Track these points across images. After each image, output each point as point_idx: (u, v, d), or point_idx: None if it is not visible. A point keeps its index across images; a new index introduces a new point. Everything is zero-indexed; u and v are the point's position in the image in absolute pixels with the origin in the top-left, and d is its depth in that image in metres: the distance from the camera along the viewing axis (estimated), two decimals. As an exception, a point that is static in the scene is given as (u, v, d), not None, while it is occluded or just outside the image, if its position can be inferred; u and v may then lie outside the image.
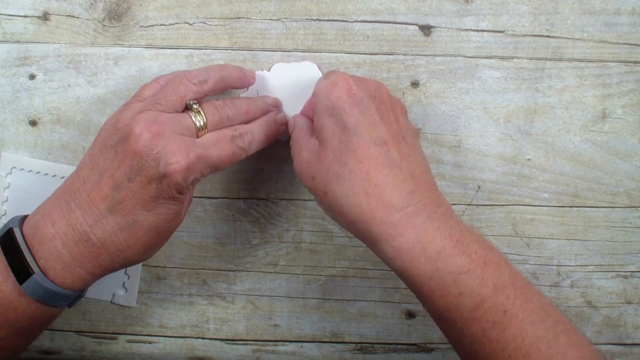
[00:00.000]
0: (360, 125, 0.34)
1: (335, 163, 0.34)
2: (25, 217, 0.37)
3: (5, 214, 0.46)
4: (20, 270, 0.35)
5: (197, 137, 0.36)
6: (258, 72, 0.43)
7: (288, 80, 0.42)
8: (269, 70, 0.43)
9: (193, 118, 0.36)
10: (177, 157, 0.34)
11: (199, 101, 0.37)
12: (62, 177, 0.45)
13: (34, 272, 0.34)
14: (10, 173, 0.46)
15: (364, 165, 0.34)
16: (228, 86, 0.40)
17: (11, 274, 0.35)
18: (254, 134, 0.39)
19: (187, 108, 0.37)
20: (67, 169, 0.45)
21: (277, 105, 0.42)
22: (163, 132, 0.34)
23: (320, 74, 0.43)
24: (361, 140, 0.34)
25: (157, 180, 0.34)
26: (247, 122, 0.39)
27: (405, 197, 0.34)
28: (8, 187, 0.46)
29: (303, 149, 0.37)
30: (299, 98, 0.42)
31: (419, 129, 0.44)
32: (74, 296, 0.37)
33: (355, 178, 0.34)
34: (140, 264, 0.47)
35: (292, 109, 0.42)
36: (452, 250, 0.33)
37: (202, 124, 0.37)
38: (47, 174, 0.45)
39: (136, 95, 0.38)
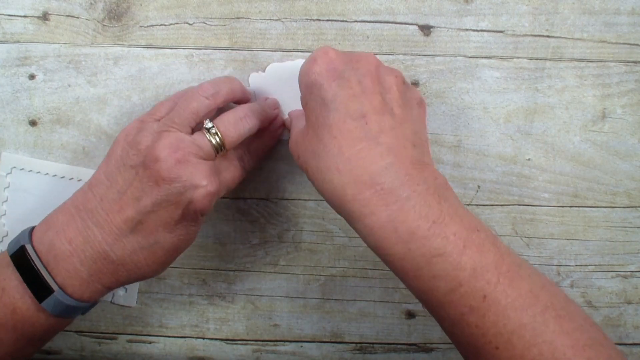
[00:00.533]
0: (338, 99, 0.33)
1: (313, 139, 0.34)
2: (31, 230, 0.37)
3: (5, 213, 0.46)
4: (38, 287, 0.35)
5: (215, 157, 0.38)
6: (253, 74, 0.43)
7: (283, 80, 0.42)
8: (263, 71, 0.43)
9: (210, 139, 0.37)
10: (204, 183, 0.35)
11: (212, 119, 0.38)
12: (61, 177, 0.45)
13: (53, 290, 0.35)
14: (10, 173, 0.46)
15: (337, 140, 0.33)
16: (235, 99, 0.40)
17: (28, 292, 0.35)
18: (258, 153, 0.42)
19: (204, 128, 0.37)
20: (67, 169, 0.45)
21: (276, 107, 0.43)
22: (188, 159, 0.35)
23: None
24: (337, 115, 0.33)
25: (184, 206, 0.35)
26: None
27: (379, 172, 0.32)
28: (8, 186, 0.46)
29: (294, 131, 0.37)
30: (296, 96, 0.42)
31: (419, 129, 0.44)
32: (90, 307, 0.38)
33: (328, 154, 0.33)
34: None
35: (289, 107, 0.42)
36: (427, 231, 0.31)
37: (218, 142, 0.37)
38: (47, 173, 0.45)
39: (151, 113, 0.38)
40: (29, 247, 0.35)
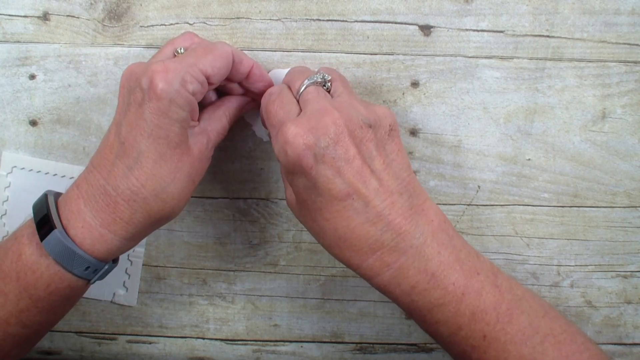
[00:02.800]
0: (319, 184, 0.34)
1: (309, 219, 0.36)
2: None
3: (5, 213, 0.46)
4: (46, 229, 0.35)
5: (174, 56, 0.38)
6: None
7: None
8: None
9: (177, 50, 0.38)
10: (154, 67, 0.34)
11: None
12: (62, 176, 0.45)
13: (55, 228, 0.35)
14: (11, 172, 0.46)
15: (331, 223, 0.34)
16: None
17: (36, 237, 0.35)
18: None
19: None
20: (68, 169, 0.45)
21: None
22: (143, 63, 0.36)
23: None
24: (323, 200, 0.34)
25: (146, 99, 0.34)
26: None
27: (376, 240, 0.34)
28: (9, 186, 0.46)
29: (287, 189, 0.37)
30: None
31: (418, 129, 0.44)
32: (93, 264, 0.36)
33: (327, 234, 0.35)
34: (141, 264, 0.47)
35: None
36: (427, 284, 0.34)
37: (183, 49, 0.38)
38: (47, 173, 0.45)
39: None
40: (50, 194, 0.37)
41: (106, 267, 0.37)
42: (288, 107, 0.36)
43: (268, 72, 0.43)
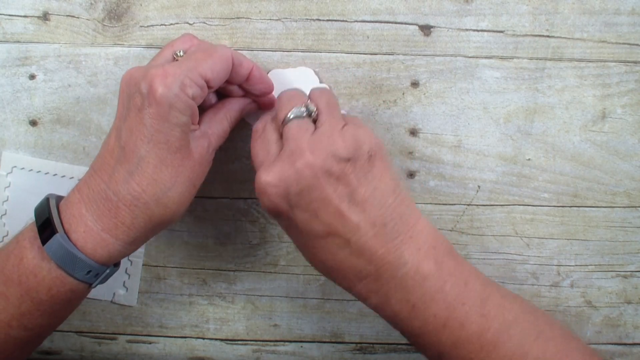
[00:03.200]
0: (299, 226, 0.35)
1: (300, 248, 0.37)
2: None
3: (5, 213, 0.46)
4: (47, 233, 0.35)
5: (173, 60, 0.38)
6: None
7: (285, 86, 0.42)
8: None
9: (177, 53, 0.38)
10: (153, 71, 0.34)
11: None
12: (62, 176, 0.45)
13: (57, 232, 0.35)
14: (11, 172, 0.46)
15: (318, 256, 0.36)
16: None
17: (38, 240, 0.35)
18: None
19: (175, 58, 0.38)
20: (68, 169, 0.45)
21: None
22: (143, 67, 0.36)
23: (316, 79, 0.43)
24: (307, 240, 0.36)
25: (145, 104, 0.34)
26: None
27: (361, 270, 0.35)
28: (9, 186, 0.46)
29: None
30: None
31: (418, 129, 0.44)
32: (95, 269, 0.36)
33: (316, 264, 0.37)
34: (141, 264, 0.47)
35: None
36: (408, 314, 0.35)
37: (182, 52, 0.38)
38: (47, 173, 0.45)
39: None
40: (51, 198, 0.37)
41: (108, 271, 0.37)
42: (268, 146, 0.36)
43: (268, 73, 0.43)
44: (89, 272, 0.36)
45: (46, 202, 0.37)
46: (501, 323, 0.35)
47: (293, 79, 0.43)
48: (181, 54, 0.38)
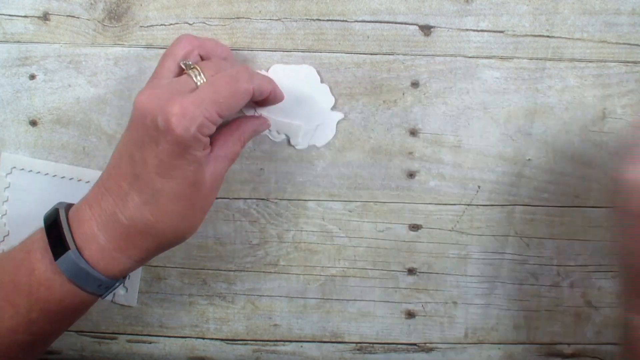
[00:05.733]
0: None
1: None
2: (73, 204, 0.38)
3: (5, 213, 0.46)
4: (59, 248, 0.35)
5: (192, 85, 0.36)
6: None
7: (286, 83, 0.42)
8: (267, 71, 0.43)
9: (192, 76, 0.36)
10: (170, 108, 0.33)
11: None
12: (62, 177, 0.45)
13: (69, 248, 0.35)
14: (11, 173, 0.46)
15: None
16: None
17: (49, 253, 0.35)
18: (258, 76, 0.38)
19: (184, 71, 0.37)
20: (68, 169, 0.45)
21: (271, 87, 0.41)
22: (159, 93, 0.35)
23: (318, 78, 0.43)
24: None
25: (162, 139, 0.34)
26: None
27: None
28: (8, 187, 0.46)
29: None
30: (296, 102, 0.42)
31: (418, 130, 0.44)
32: (106, 282, 0.37)
33: None
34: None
35: (290, 109, 0.42)
36: None
37: (201, 79, 0.36)
38: (47, 173, 0.45)
39: None
40: (61, 210, 0.37)
41: (117, 283, 0.38)
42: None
43: (268, 70, 0.43)
44: (99, 285, 0.37)
45: (56, 213, 0.37)
46: None
47: (295, 77, 0.43)
48: (191, 66, 0.37)
